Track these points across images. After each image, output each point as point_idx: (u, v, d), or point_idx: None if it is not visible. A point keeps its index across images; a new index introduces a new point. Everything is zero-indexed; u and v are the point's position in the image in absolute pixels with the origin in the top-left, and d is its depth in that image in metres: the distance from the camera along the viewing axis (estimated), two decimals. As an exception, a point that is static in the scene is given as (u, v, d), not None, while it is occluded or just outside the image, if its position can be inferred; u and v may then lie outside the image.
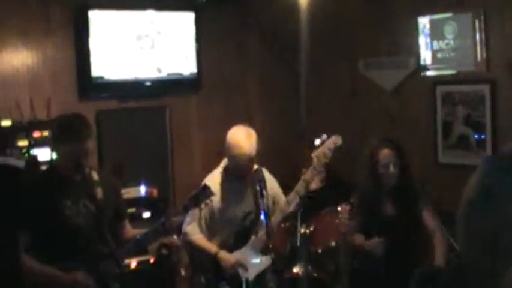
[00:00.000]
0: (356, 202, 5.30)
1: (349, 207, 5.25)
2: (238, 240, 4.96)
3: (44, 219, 3.98)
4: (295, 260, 6.08)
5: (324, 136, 5.03)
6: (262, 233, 4.91)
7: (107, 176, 4.45)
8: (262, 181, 4.71)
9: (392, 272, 5.18)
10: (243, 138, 4.99)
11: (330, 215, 5.98)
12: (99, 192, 4.20)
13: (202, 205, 4.40)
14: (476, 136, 6.53)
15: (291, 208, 5.01)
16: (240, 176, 5.07)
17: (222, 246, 4.93)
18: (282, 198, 5.19)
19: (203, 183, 4.84)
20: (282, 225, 6.21)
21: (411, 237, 5.26)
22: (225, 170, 5.09)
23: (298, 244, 5.63)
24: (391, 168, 5.27)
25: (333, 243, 6.04)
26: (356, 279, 5.36)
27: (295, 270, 6.05)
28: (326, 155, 4.98)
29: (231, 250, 4.91)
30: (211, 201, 4.56)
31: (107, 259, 4.10)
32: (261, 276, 5.01)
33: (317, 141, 5.03)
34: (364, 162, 5.41)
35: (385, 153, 5.30)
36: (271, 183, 5.16)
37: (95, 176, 4.27)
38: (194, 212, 4.87)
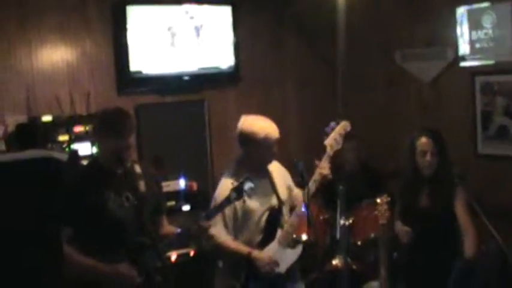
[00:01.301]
0: (397, 190, 5.32)
1: (388, 198, 5.27)
2: (265, 236, 4.92)
3: (87, 211, 4.01)
4: (334, 252, 6.08)
5: (333, 124, 5.03)
6: (288, 225, 4.91)
7: (149, 169, 4.46)
8: (305, 173, 4.69)
9: (429, 263, 5.17)
10: (265, 120, 4.98)
11: (369, 207, 5.98)
12: (141, 185, 4.23)
13: (245, 197, 4.39)
14: (516, 127, 6.49)
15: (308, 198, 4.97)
16: (261, 166, 5.01)
17: (248, 244, 4.84)
18: (294, 189, 5.18)
19: (219, 190, 4.84)
20: (321, 217, 6.23)
21: (445, 228, 5.24)
22: (241, 166, 4.95)
23: (337, 236, 5.62)
24: (428, 157, 5.25)
25: (373, 235, 6.04)
26: (395, 271, 5.36)
27: (335, 262, 6.05)
28: (337, 141, 4.98)
29: (259, 247, 4.85)
30: (254, 192, 4.52)
31: (149, 251, 4.13)
32: (290, 270, 4.99)
33: (328, 129, 5.03)
34: (404, 151, 5.43)
35: (422, 141, 5.30)
36: (286, 176, 5.14)
37: (138, 169, 4.31)
38: (216, 217, 4.81)
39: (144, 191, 4.22)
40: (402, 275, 5.39)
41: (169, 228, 4.54)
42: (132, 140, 4.22)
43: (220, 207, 4.40)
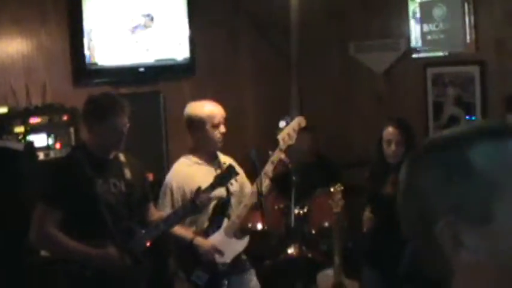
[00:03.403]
0: (366, 178, 5.40)
1: (341, 188, 5.34)
2: (212, 225, 4.96)
3: (76, 197, 4.09)
4: (289, 240, 6.15)
5: (288, 118, 5.10)
6: (234, 216, 4.97)
7: (132, 159, 4.58)
8: (258, 162, 4.76)
9: (392, 248, 5.24)
10: (210, 102, 5.18)
11: (323, 196, 6.05)
12: (127, 172, 4.34)
13: (229, 184, 4.46)
14: (467, 117, 6.60)
15: (264, 189, 4.99)
16: (211, 154, 5.09)
17: (196, 232, 4.91)
18: (248, 186, 5.23)
19: (170, 174, 5.04)
20: (276, 207, 6.29)
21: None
22: (194, 154, 5.09)
23: (292, 225, 5.69)
24: (393, 146, 5.30)
25: (327, 224, 6.12)
26: (349, 258, 5.43)
27: (290, 251, 6.12)
28: (291, 136, 5.03)
29: (206, 235, 4.92)
30: (236, 180, 4.55)
31: (136, 236, 4.19)
32: (236, 259, 5.04)
33: (282, 124, 5.09)
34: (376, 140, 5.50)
35: (388, 131, 5.34)
36: (239, 171, 5.19)
37: (122, 157, 4.41)
38: (165, 201, 4.94)
39: (130, 178, 4.31)
40: (366, 261, 5.46)
41: (158, 213, 4.60)
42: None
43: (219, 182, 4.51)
